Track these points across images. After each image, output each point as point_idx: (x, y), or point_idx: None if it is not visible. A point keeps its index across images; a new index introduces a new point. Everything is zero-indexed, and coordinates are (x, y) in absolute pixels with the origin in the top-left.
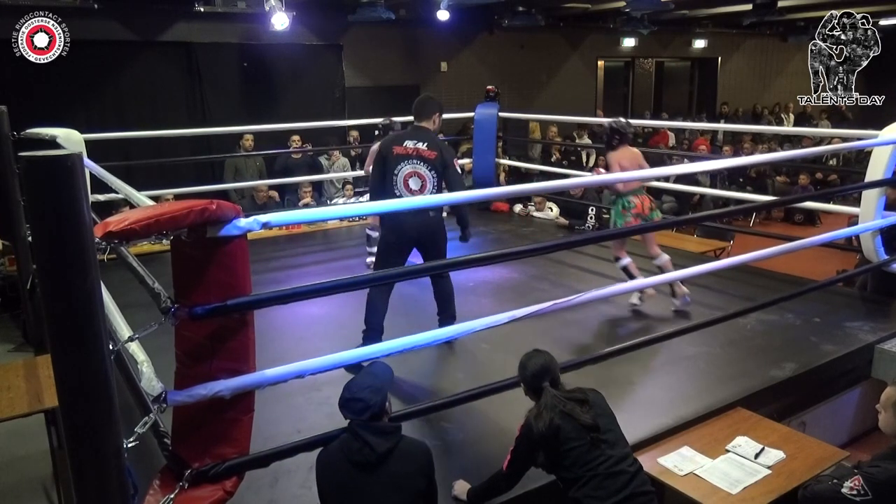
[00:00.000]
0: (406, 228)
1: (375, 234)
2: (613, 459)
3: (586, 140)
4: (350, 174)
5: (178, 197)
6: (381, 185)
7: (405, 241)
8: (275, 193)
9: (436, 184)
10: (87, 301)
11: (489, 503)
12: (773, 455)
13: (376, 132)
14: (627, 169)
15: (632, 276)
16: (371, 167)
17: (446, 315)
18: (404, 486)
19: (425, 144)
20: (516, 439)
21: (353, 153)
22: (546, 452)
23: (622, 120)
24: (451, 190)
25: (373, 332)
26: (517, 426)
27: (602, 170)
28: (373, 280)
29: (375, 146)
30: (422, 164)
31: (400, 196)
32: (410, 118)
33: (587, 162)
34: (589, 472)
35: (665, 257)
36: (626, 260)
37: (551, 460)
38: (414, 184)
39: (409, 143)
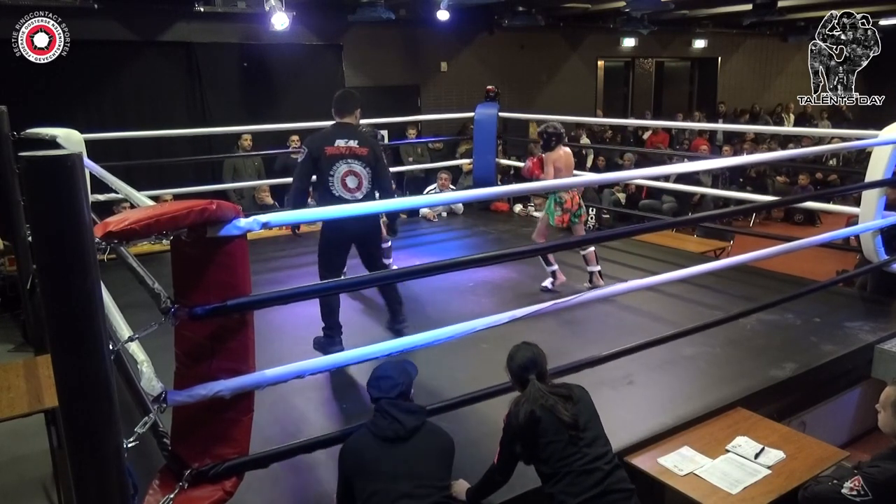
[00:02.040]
0: (348, 226)
1: (387, 245)
2: (589, 457)
3: (585, 140)
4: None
5: (177, 197)
6: (308, 186)
7: (346, 237)
8: (271, 201)
9: (370, 179)
10: (87, 301)
11: (488, 500)
12: (773, 455)
13: None
14: (562, 169)
15: (549, 263)
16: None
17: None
18: (432, 458)
19: (356, 142)
20: (503, 430)
21: None
22: (523, 443)
23: (556, 124)
24: (380, 183)
25: (334, 331)
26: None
27: (531, 165)
28: (372, 281)
29: None
30: (356, 161)
31: (339, 196)
32: (406, 119)
33: (588, 162)
34: (564, 468)
35: (591, 248)
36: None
37: (528, 452)
38: (351, 182)
39: (341, 142)
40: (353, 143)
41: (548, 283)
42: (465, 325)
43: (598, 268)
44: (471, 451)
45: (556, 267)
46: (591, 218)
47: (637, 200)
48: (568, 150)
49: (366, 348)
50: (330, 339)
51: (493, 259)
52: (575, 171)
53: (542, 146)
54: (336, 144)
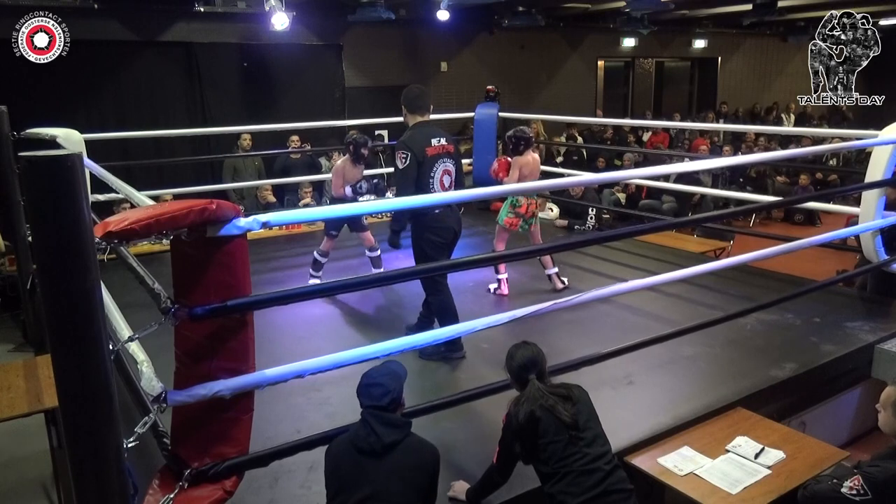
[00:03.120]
0: (452, 226)
1: (324, 260)
2: (589, 457)
3: (578, 139)
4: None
5: (177, 197)
6: (414, 189)
7: (452, 237)
8: (274, 199)
9: (455, 175)
10: (87, 301)
11: (488, 500)
12: (773, 455)
13: (350, 147)
14: (527, 175)
15: (498, 271)
16: (346, 186)
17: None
18: (406, 477)
19: (445, 139)
20: (502, 430)
21: None
22: (522, 443)
23: (526, 128)
24: (458, 178)
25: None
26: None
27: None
28: (373, 281)
29: (340, 164)
30: (449, 160)
31: None
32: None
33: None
34: (564, 468)
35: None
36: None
37: (528, 452)
38: (446, 181)
39: (435, 141)
40: (444, 141)
41: (493, 286)
42: (465, 325)
43: (556, 269)
44: (471, 450)
45: (505, 276)
46: (592, 218)
47: (637, 200)
48: (536, 156)
49: (366, 348)
50: (451, 345)
51: (493, 259)
52: (575, 171)
53: (510, 150)
54: (433, 143)
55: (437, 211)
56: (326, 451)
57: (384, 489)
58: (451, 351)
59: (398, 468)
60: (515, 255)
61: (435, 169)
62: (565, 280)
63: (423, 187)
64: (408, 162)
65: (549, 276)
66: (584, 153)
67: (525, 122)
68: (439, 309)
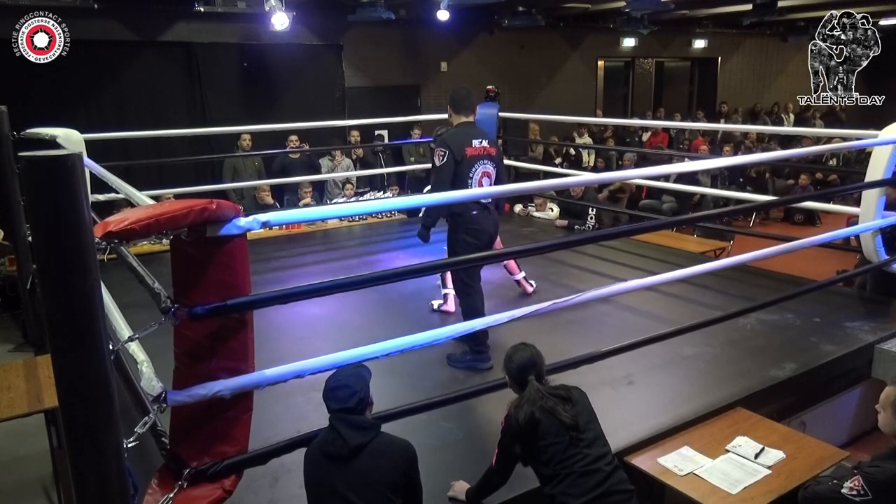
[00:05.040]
0: (488, 229)
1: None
2: (590, 458)
3: (587, 139)
4: (353, 174)
5: (178, 197)
6: (449, 188)
7: (487, 239)
8: (272, 201)
9: (495, 178)
10: (87, 301)
11: (487, 501)
12: (773, 455)
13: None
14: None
15: (445, 285)
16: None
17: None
18: (374, 480)
19: (487, 142)
20: (501, 432)
21: (354, 155)
22: (522, 445)
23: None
24: (502, 182)
25: (483, 343)
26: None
27: None
28: (373, 279)
29: None
30: (489, 162)
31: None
32: (406, 119)
33: (587, 161)
34: (565, 469)
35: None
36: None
37: (528, 453)
38: (486, 183)
39: (476, 142)
40: (485, 143)
41: (436, 303)
42: (464, 325)
43: (523, 274)
44: (471, 450)
45: (451, 292)
46: (592, 218)
47: (637, 200)
48: None
49: (365, 348)
50: (479, 355)
51: (493, 259)
52: (575, 171)
53: None
54: (473, 145)
55: (474, 212)
56: (304, 457)
57: (355, 494)
58: (477, 361)
59: (367, 472)
60: (512, 254)
61: (474, 170)
62: (533, 283)
63: (461, 187)
64: (445, 159)
65: (518, 282)
66: (589, 154)
67: (525, 122)
68: (468, 311)
